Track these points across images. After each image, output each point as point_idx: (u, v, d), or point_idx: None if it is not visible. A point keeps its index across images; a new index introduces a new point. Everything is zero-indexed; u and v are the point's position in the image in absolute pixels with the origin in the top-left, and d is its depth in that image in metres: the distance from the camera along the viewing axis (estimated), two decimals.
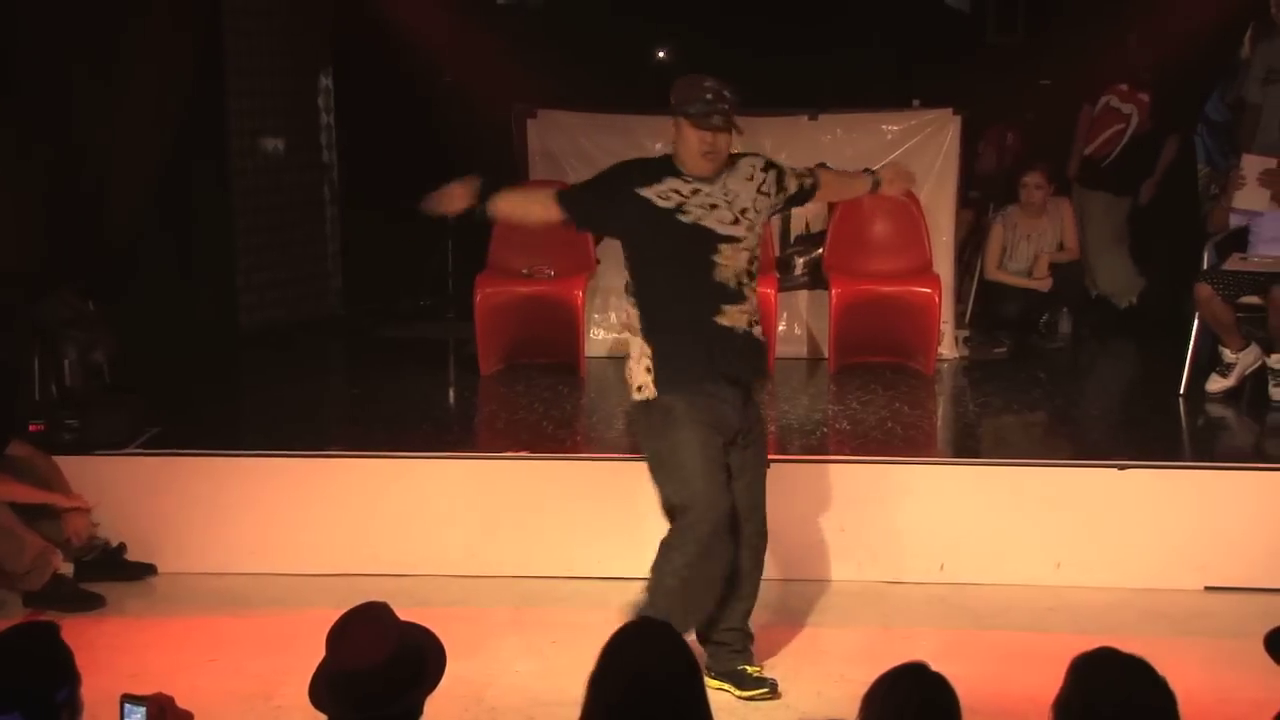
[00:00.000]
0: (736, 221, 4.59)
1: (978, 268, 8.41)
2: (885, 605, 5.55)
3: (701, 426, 4.52)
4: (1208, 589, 5.64)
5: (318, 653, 3.09)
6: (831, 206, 7.91)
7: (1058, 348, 8.34)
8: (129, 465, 5.98)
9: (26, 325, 6.62)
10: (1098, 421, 6.92)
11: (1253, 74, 7.73)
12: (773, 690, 4.68)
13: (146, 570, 5.82)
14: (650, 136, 7.85)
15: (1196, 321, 7.04)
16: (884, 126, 7.98)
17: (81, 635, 4.48)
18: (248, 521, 5.87)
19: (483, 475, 5.98)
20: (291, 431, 6.48)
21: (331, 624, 3.09)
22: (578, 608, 5.40)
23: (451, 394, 7.73)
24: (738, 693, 4.67)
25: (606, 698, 2.86)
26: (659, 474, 4.62)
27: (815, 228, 8.02)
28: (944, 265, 7.84)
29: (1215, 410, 6.89)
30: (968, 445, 6.70)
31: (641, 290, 4.64)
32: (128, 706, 3.08)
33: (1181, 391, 7.02)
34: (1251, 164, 7.00)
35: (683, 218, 4.56)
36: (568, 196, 4.79)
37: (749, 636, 4.79)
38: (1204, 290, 6.92)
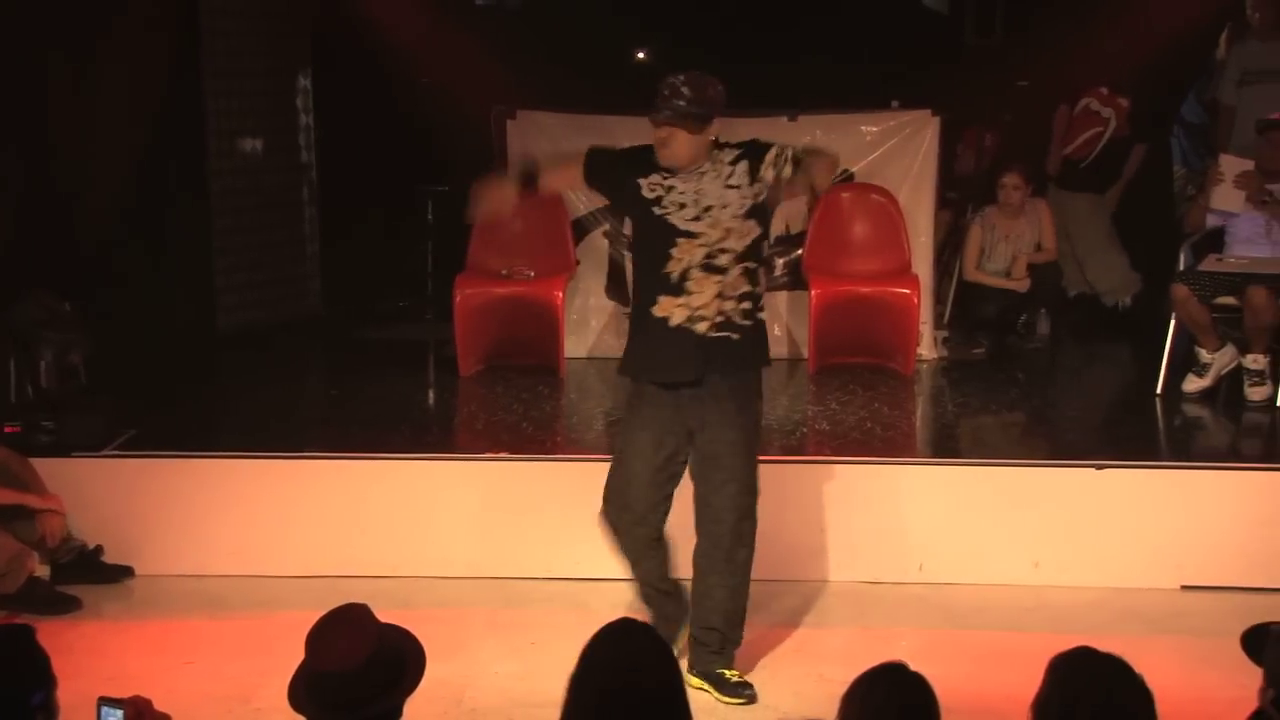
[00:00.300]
0: (698, 219, 4.61)
1: (956, 268, 8.44)
2: (864, 605, 5.56)
3: (645, 427, 4.75)
4: (1184, 588, 5.67)
5: (297, 655, 3.08)
6: (811, 207, 7.94)
7: (1036, 348, 8.37)
8: (106, 467, 5.96)
9: (1, 327, 6.59)
10: (1075, 422, 6.95)
11: (1228, 75, 7.77)
12: (749, 700, 4.70)
13: (124, 573, 5.80)
14: (630, 137, 7.74)
15: (1173, 322, 7.08)
16: (863, 128, 8.00)
17: (58, 638, 4.47)
18: (226, 523, 5.85)
19: (462, 476, 5.97)
20: (270, 433, 6.46)
21: (310, 626, 3.08)
22: (558, 609, 5.40)
23: (431, 395, 7.71)
24: (717, 695, 4.68)
25: (586, 698, 2.86)
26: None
27: (795, 228, 8.03)
28: (923, 266, 7.86)
29: (1192, 410, 6.92)
30: (946, 445, 6.72)
31: (633, 270, 4.81)
32: (105, 709, 3.07)
33: (1158, 391, 7.05)
34: (1228, 165, 7.04)
35: (656, 209, 4.66)
36: (594, 151, 4.89)
37: (728, 639, 4.78)
38: (1180, 291, 6.95)
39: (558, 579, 5.72)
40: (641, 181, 4.68)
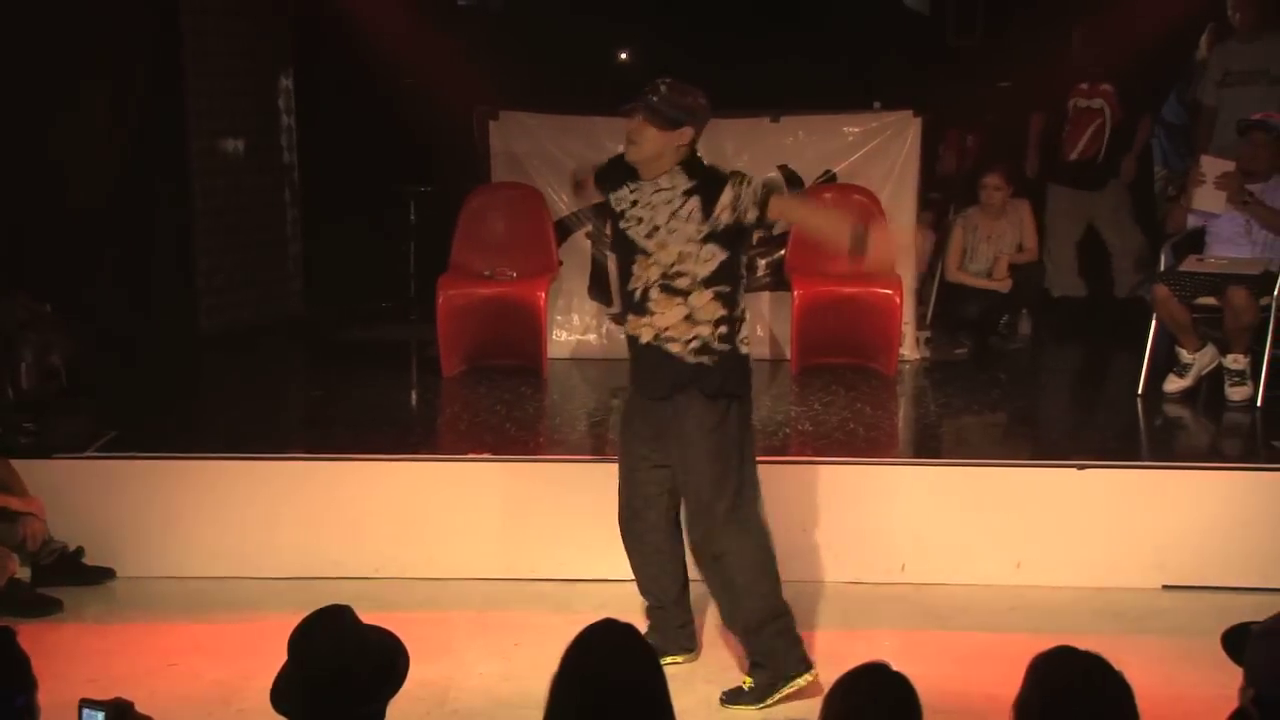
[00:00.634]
0: (650, 236, 4.62)
1: (938, 269, 8.46)
2: (847, 605, 5.57)
3: (635, 434, 4.82)
4: (1165, 587, 5.69)
5: (279, 657, 3.07)
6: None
7: (1017, 348, 8.39)
8: (87, 469, 5.94)
9: None
10: (1057, 422, 6.97)
11: (1209, 76, 7.80)
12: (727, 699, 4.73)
13: (105, 574, 5.78)
14: (612, 139, 7.77)
15: (1154, 322, 7.10)
16: (845, 128, 8.02)
17: (39, 640, 4.44)
18: (208, 525, 5.84)
19: (445, 477, 5.96)
20: (252, 434, 6.44)
21: (293, 628, 3.08)
22: (541, 610, 5.39)
23: (414, 396, 7.71)
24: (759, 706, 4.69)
25: (569, 699, 2.86)
26: None
27: (777, 229, 8.03)
28: (905, 267, 7.87)
29: (1172, 410, 6.94)
30: (929, 446, 6.74)
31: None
32: (86, 712, 3.05)
33: (1139, 392, 7.08)
34: (1209, 165, 7.06)
35: (621, 223, 4.70)
36: (596, 168, 4.99)
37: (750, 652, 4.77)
38: (1161, 291, 6.98)
39: (541, 580, 5.72)
40: (612, 195, 4.75)
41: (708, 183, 4.57)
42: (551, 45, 9.61)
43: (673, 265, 4.57)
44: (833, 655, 4.62)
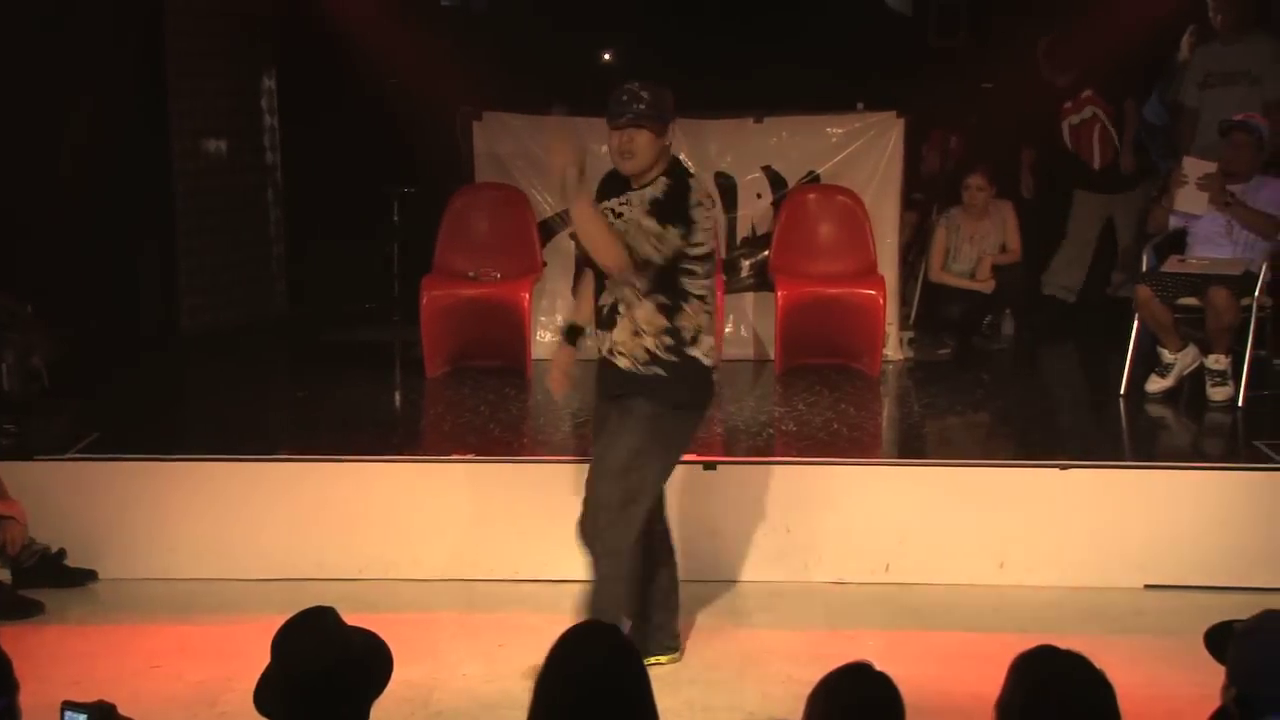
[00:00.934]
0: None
1: (922, 270, 8.48)
2: (830, 605, 5.58)
3: (597, 438, 4.84)
4: (1148, 587, 5.71)
5: (263, 658, 3.07)
6: (777, 208, 7.96)
7: (1000, 349, 8.42)
8: (69, 470, 5.92)
9: None
10: (1040, 422, 6.99)
11: (1190, 77, 7.82)
12: None
13: (87, 576, 5.76)
14: (595, 139, 7.76)
15: (1136, 323, 7.13)
16: (828, 129, 8.03)
17: (20, 643, 4.42)
18: (191, 526, 5.82)
19: (429, 478, 5.96)
20: (236, 435, 6.42)
21: (277, 629, 3.07)
22: (525, 611, 5.39)
23: (397, 397, 7.70)
24: None
25: (553, 701, 2.86)
26: None
27: (761, 230, 8.05)
28: (888, 267, 7.89)
29: (1155, 410, 6.97)
30: (912, 446, 6.75)
31: None
32: (69, 714, 3.04)
33: (1122, 392, 7.10)
34: (1191, 167, 7.09)
35: None
36: None
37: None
38: (1143, 292, 7.00)
39: (525, 581, 5.72)
40: (599, 206, 4.73)
41: (666, 200, 4.55)
42: (535, 46, 9.61)
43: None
44: (816, 655, 4.60)
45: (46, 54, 7.50)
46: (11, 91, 7.32)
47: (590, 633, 3.01)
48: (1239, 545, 5.68)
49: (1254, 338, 6.88)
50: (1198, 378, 6.98)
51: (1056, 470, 5.84)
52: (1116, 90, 8.47)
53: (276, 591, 5.40)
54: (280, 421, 7.15)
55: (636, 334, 4.63)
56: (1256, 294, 6.88)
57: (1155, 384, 7.03)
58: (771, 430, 6.64)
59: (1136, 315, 7.10)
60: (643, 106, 4.54)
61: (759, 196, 8.02)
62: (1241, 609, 3.22)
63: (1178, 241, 7.21)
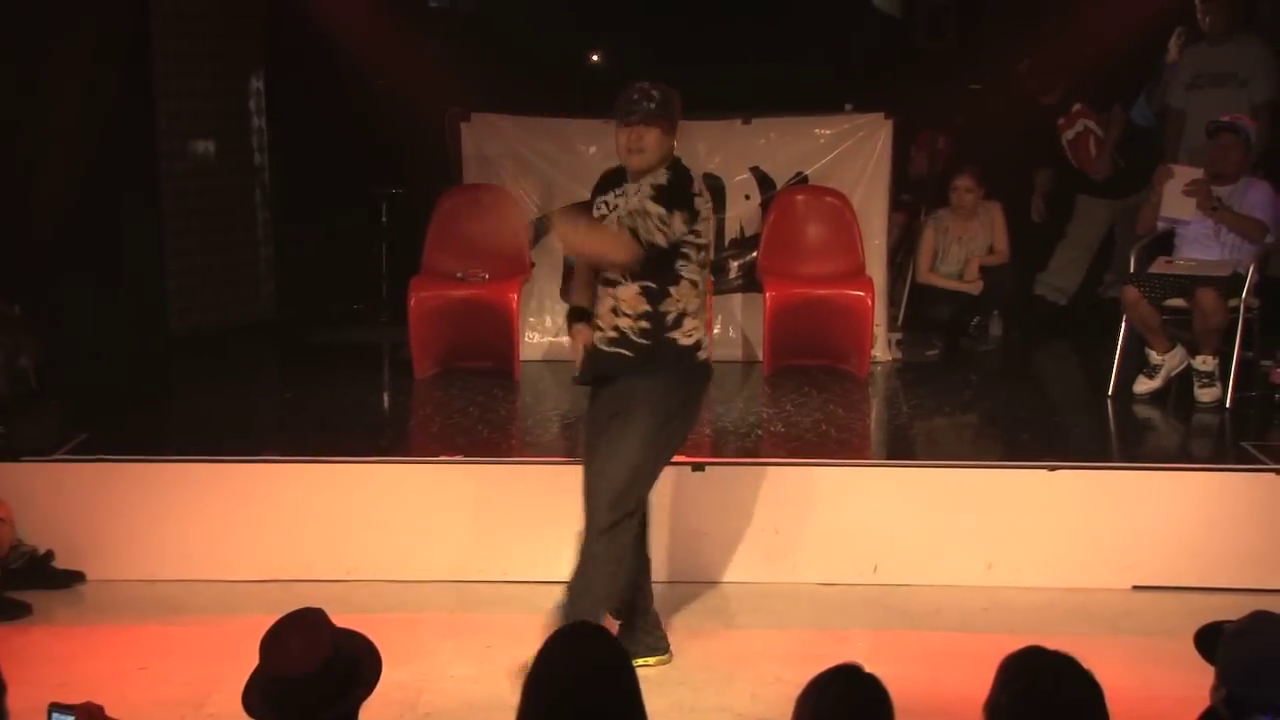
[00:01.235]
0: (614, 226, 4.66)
1: (910, 271, 8.49)
2: (819, 607, 5.58)
3: (587, 428, 4.87)
4: (1135, 588, 5.72)
5: (251, 660, 3.06)
6: (766, 209, 7.97)
7: (988, 350, 8.43)
8: (56, 472, 5.90)
9: None
10: (1028, 423, 6.99)
11: (1179, 78, 7.84)
12: None
13: (74, 578, 5.74)
14: (584, 140, 7.86)
15: (1124, 324, 7.14)
16: (817, 130, 8.04)
17: (7, 644, 4.44)
18: (179, 528, 5.81)
19: (418, 479, 5.95)
20: (223, 436, 6.41)
21: (265, 631, 3.06)
22: (513, 612, 5.38)
23: (385, 398, 7.69)
24: None
25: (541, 702, 2.86)
26: None
27: (749, 231, 8.06)
28: (876, 268, 7.90)
29: (1142, 411, 6.98)
30: (900, 447, 6.75)
31: None
32: (56, 716, 3.04)
33: (1109, 393, 7.11)
34: (1178, 173, 7.11)
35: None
36: None
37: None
38: (1131, 293, 7.02)
39: (514, 582, 5.71)
40: (595, 201, 4.79)
41: (671, 188, 4.59)
42: (523, 47, 9.61)
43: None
44: (805, 657, 4.62)
45: (33, 54, 7.48)
46: None
47: (579, 634, 3.01)
48: (1227, 546, 5.69)
49: (1241, 339, 6.90)
50: (1185, 379, 7.00)
51: (1044, 471, 5.85)
52: (1105, 99, 8.50)
53: (265, 593, 5.39)
54: (268, 423, 7.14)
55: (615, 313, 4.66)
56: (1244, 295, 6.90)
57: (1143, 385, 7.05)
58: (760, 431, 6.65)
59: (1124, 316, 7.12)
60: (653, 105, 4.61)
61: (747, 198, 8.02)
62: (1230, 609, 3.23)
63: (1165, 243, 7.23)
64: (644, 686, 2.94)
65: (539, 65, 9.35)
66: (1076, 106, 8.54)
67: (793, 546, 5.77)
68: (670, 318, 4.65)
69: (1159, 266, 7.08)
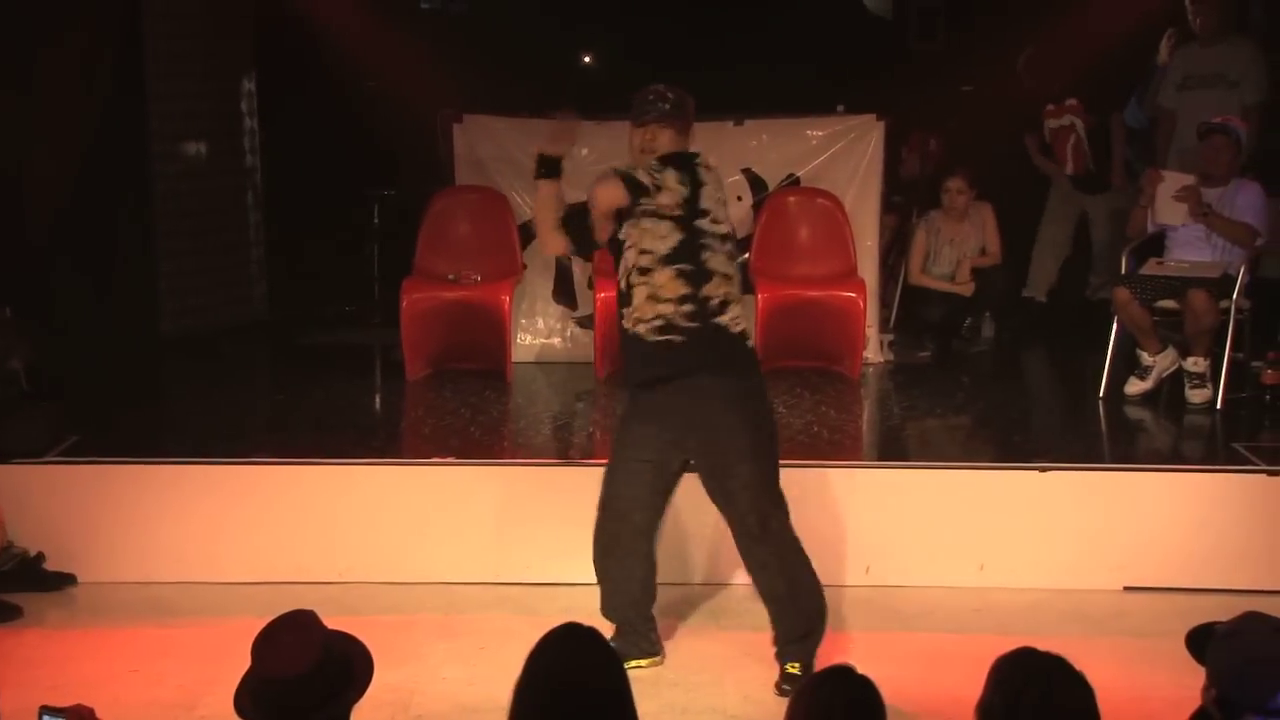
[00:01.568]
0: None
1: (902, 272, 8.49)
2: None
3: (628, 435, 4.80)
4: (1127, 589, 5.73)
5: (243, 662, 3.06)
6: (757, 211, 7.97)
7: (980, 351, 8.44)
8: (47, 474, 5.89)
9: None
10: (1019, 424, 7.00)
11: (1170, 79, 7.85)
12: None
13: (66, 580, 5.73)
14: (579, 142, 7.83)
15: (1115, 325, 7.15)
16: (809, 132, 8.04)
17: None
18: (170, 530, 5.80)
19: (410, 481, 5.95)
20: (215, 438, 6.41)
21: (257, 632, 3.06)
22: (506, 614, 5.38)
23: (378, 400, 7.69)
24: None
25: (532, 704, 2.86)
26: None
27: (741, 233, 8.04)
28: (868, 270, 7.90)
29: (1134, 413, 6.99)
30: (893, 448, 6.76)
31: None
32: (47, 718, 3.03)
33: (1101, 394, 7.12)
34: (1169, 178, 7.13)
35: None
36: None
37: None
38: (1122, 294, 7.03)
39: (506, 584, 5.71)
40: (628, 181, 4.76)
41: (674, 154, 4.67)
42: (515, 48, 9.61)
43: (637, 243, 4.61)
44: None
45: (24, 55, 7.46)
46: None
47: (570, 636, 3.01)
48: (1218, 547, 5.70)
49: (1232, 340, 6.91)
50: (1177, 380, 7.01)
51: (1036, 472, 5.86)
52: (1101, 103, 8.50)
53: (256, 595, 5.37)
54: (260, 424, 7.13)
55: (653, 300, 4.59)
56: (1235, 297, 6.91)
57: (1134, 386, 7.06)
58: None
59: (1115, 318, 7.13)
60: (667, 106, 4.66)
61: (739, 199, 8.01)
62: (1221, 610, 3.24)
63: (1157, 244, 7.24)
64: (636, 688, 2.94)
65: (531, 66, 9.35)
66: (1071, 101, 8.54)
67: None
68: (714, 303, 4.60)
69: (1150, 268, 7.09)
